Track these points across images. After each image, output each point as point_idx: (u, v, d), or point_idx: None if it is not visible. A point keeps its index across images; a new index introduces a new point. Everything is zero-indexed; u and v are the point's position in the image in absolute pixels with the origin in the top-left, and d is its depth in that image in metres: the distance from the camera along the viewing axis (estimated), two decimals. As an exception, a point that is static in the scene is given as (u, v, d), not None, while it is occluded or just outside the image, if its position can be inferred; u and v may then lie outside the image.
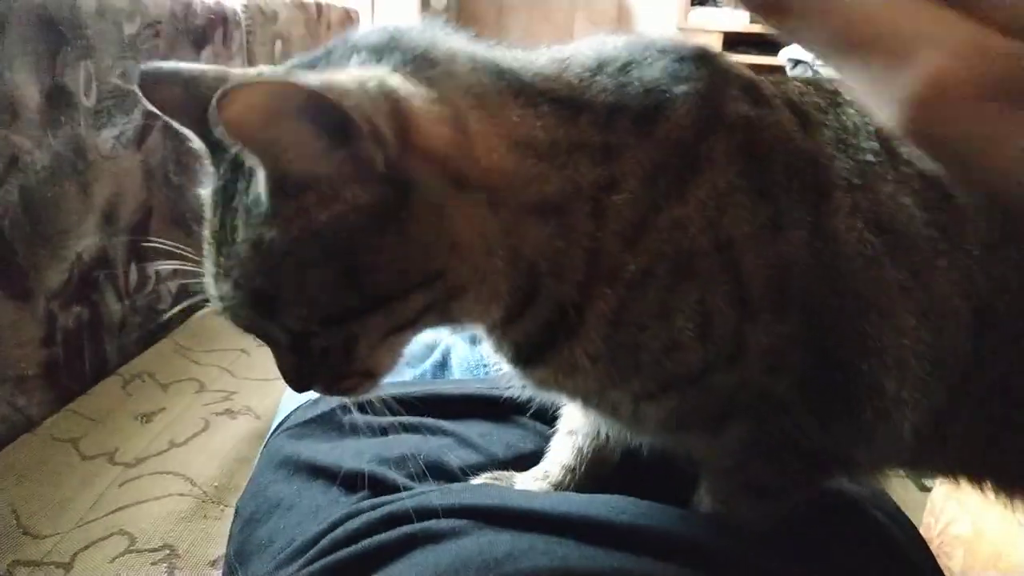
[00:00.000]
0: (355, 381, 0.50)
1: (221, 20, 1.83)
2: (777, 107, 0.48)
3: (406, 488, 0.62)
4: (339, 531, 0.56)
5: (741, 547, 0.53)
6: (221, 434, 1.32)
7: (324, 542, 0.56)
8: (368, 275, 0.43)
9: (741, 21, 4.05)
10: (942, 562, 0.65)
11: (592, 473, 0.65)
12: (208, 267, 0.46)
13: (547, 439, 0.69)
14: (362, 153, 0.39)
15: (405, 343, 0.51)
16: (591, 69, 0.47)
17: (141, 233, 1.62)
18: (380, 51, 0.44)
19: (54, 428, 1.30)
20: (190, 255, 0.50)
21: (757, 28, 3.97)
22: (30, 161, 1.28)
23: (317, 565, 0.54)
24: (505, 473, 0.66)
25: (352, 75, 0.41)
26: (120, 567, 0.99)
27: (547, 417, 0.70)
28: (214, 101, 0.35)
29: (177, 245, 0.53)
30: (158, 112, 0.50)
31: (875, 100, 0.30)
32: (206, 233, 0.46)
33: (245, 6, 1.96)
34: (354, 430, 0.72)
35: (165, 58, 1.63)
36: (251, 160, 0.41)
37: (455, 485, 0.62)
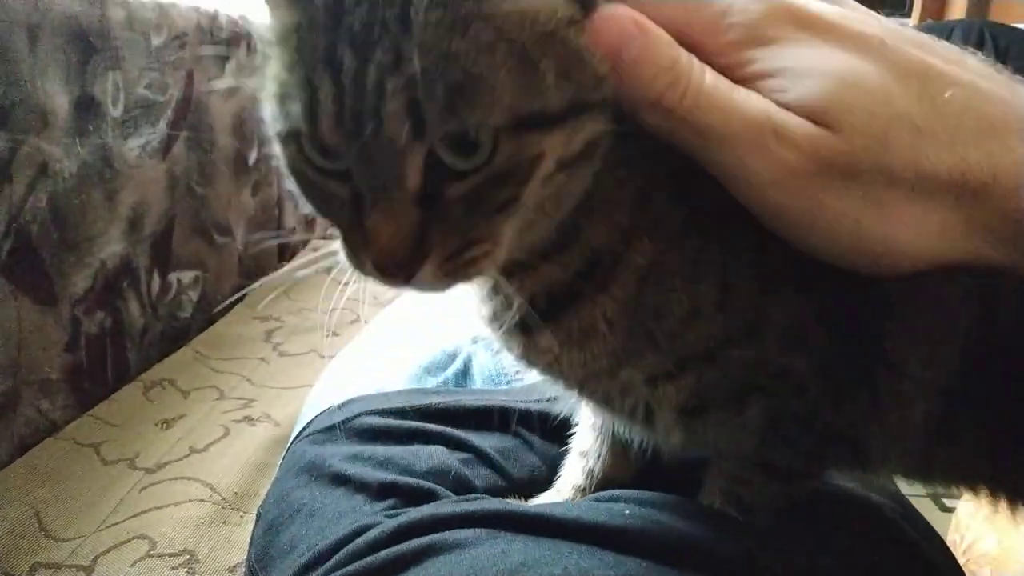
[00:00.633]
0: (483, 249, 0.41)
1: (246, 33, 1.86)
2: None
3: (430, 495, 0.62)
4: (358, 541, 0.56)
5: (760, 552, 0.53)
6: (241, 441, 1.33)
7: (341, 554, 0.56)
8: (561, 68, 0.39)
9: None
10: (971, 580, 0.65)
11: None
12: (352, 77, 0.37)
13: (560, 460, 0.70)
14: None
15: (528, 225, 0.43)
16: None
17: (164, 242, 1.64)
18: None
19: (76, 433, 1.32)
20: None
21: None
22: (59, 169, 1.30)
23: None
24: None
25: None
26: (141, 571, 0.99)
27: (563, 436, 0.71)
28: None
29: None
30: None
31: (732, 184, 0.41)
32: (350, 27, 0.38)
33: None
34: (377, 436, 0.72)
35: (191, 70, 1.66)
36: None
37: (470, 496, 0.62)
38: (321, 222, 0.62)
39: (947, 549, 0.64)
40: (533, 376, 0.58)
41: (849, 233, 0.40)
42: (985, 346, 0.47)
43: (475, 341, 0.87)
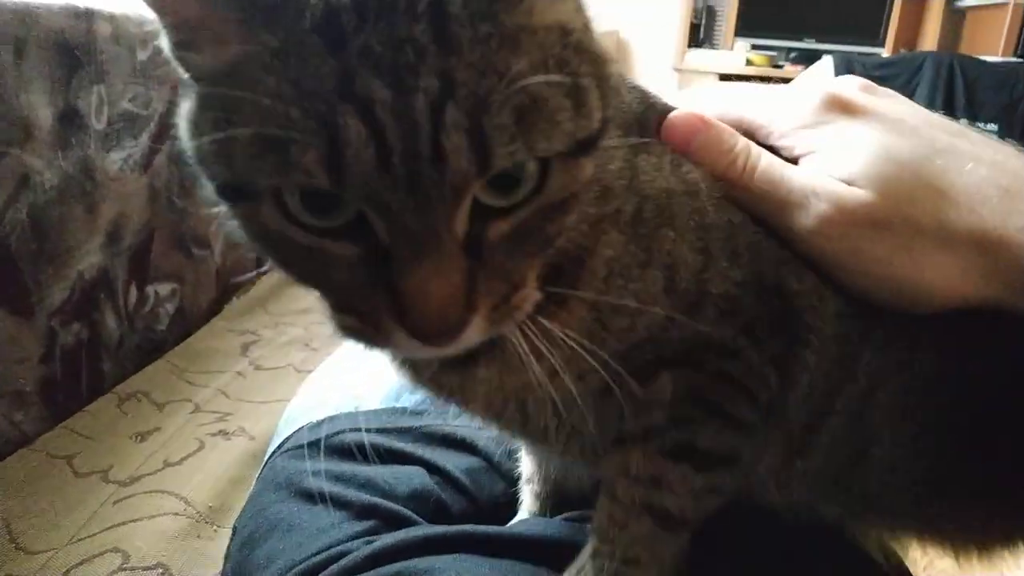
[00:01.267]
0: (524, 293, 0.39)
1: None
2: None
3: (408, 522, 0.64)
4: (333, 567, 0.57)
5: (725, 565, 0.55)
6: (216, 455, 1.34)
7: None
8: (596, 84, 0.38)
9: (736, 63, 4.15)
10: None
11: (561, 511, 0.66)
12: (393, 111, 0.32)
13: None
14: None
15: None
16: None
17: (142, 254, 1.65)
18: None
19: (49, 445, 1.32)
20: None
21: (752, 70, 4.06)
22: (40, 181, 1.31)
23: None
24: None
25: None
26: (113, 584, 1.00)
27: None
28: None
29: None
30: None
31: (789, 239, 0.50)
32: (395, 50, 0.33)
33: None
34: (356, 455, 0.73)
35: (175, 84, 1.68)
36: None
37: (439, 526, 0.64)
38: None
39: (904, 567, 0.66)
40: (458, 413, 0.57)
41: (885, 275, 0.48)
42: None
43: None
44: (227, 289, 1.97)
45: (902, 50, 3.91)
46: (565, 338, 0.43)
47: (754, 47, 4.28)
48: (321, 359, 1.09)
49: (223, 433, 1.41)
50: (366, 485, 0.67)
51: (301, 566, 0.59)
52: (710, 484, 0.52)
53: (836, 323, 0.50)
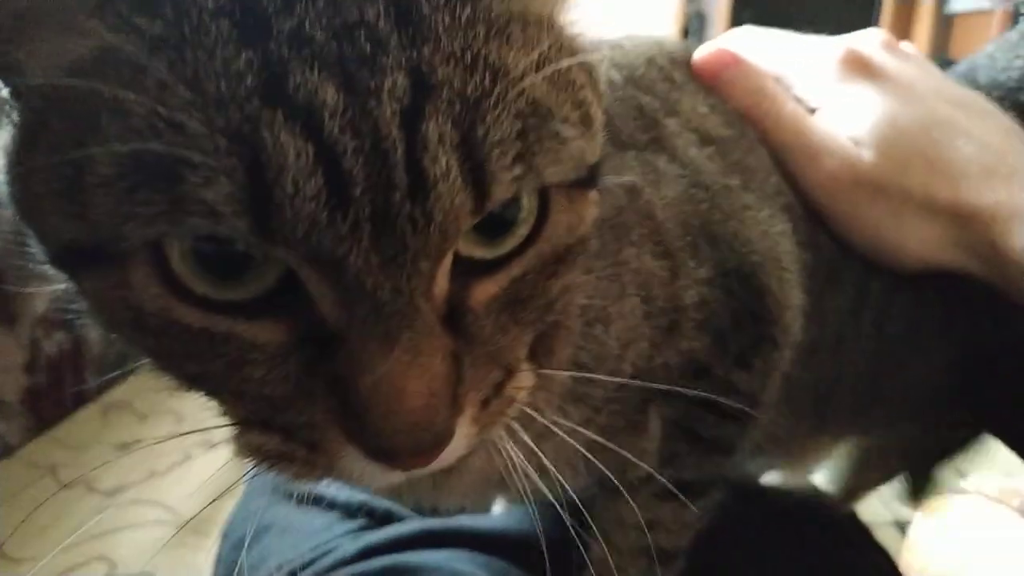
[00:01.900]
0: (519, 381, 0.31)
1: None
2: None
3: (398, 518, 0.65)
4: (323, 560, 0.58)
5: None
6: (200, 465, 1.35)
7: (307, 571, 0.59)
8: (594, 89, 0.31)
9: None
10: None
11: None
12: (350, 123, 0.23)
13: None
14: None
15: None
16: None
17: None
18: None
19: (33, 455, 1.33)
20: None
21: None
22: (24, 189, 1.33)
23: None
24: None
25: None
26: (99, 592, 1.02)
27: None
28: None
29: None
30: None
31: (800, 188, 0.54)
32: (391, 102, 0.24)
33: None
34: None
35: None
36: None
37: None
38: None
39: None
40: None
41: (873, 237, 0.53)
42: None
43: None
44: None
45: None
46: (553, 426, 0.34)
47: (744, 53, 4.32)
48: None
49: (207, 443, 1.42)
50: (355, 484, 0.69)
51: (293, 563, 0.61)
52: (702, 510, 0.51)
53: (798, 289, 0.51)
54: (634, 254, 0.42)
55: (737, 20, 4.41)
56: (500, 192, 0.25)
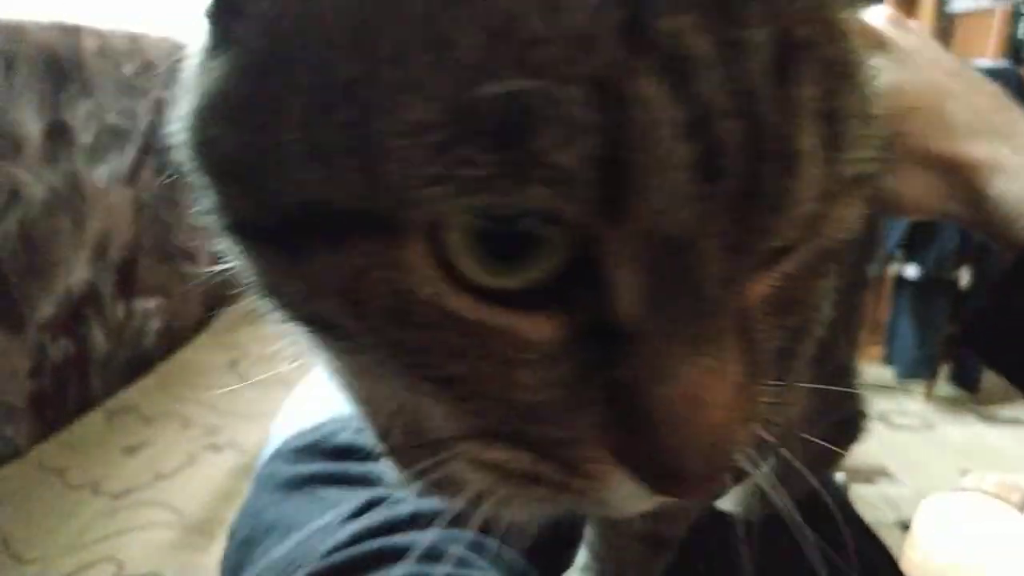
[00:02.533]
0: (794, 396, 0.29)
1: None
2: None
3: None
4: (321, 548, 0.61)
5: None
6: (206, 468, 1.38)
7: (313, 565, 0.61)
8: None
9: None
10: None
11: None
12: (725, 78, 0.20)
13: None
14: None
15: None
16: None
17: (130, 268, 1.70)
18: None
19: (41, 458, 1.36)
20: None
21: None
22: (29, 195, 1.36)
23: None
24: None
25: None
26: (108, 592, 1.04)
27: None
28: None
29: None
30: None
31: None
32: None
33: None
34: (350, 454, 0.77)
35: (160, 98, 1.73)
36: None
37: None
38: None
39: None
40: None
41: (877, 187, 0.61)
42: None
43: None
44: (214, 302, 2.02)
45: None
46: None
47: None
48: (309, 370, 1.13)
49: (213, 446, 1.46)
50: (362, 481, 0.71)
51: (296, 564, 0.63)
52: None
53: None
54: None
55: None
56: (845, 173, 0.23)
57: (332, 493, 0.69)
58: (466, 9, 0.19)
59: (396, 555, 0.56)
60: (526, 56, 0.19)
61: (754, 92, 0.20)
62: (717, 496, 0.26)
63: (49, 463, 1.35)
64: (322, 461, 0.77)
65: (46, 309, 1.43)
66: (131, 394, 1.64)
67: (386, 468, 0.72)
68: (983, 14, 2.97)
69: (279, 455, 0.83)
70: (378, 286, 0.22)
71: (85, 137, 1.51)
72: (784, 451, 0.30)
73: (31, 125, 1.36)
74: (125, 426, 1.52)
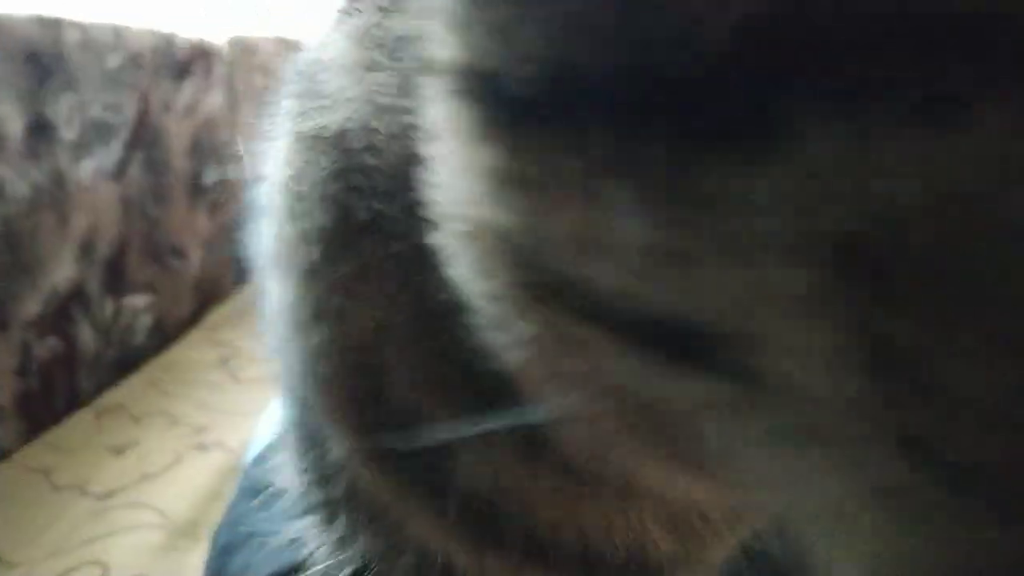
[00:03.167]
0: None
1: (202, 53, 1.93)
2: None
3: None
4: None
5: None
6: (194, 468, 1.38)
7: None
8: None
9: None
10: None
11: None
12: None
13: None
14: None
15: None
16: None
17: (117, 265, 1.69)
18: None
19: (27, 458, 1.37)
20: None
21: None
22: (11, 192, 1.36)
23: None
24: None
25: None
26: (93, 595, 1.05)
27: None
28: None
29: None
30: None
31: None
32: None
33: (228, 41, 2.07)
34: None
35: (146, 92, 1.73)
36: None
37: None
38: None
39: None
40: None
41: None
42: None
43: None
44: (205, 300, 2.02)
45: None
46: None
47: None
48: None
49: (201, 446, 1.46)
50: None
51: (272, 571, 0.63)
52: None
53: None
54: None
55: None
56: None
57: (311, 499, 0.70)
58: None
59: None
60: None
61: None
62: None
63: (35, 464, 1.35)
64: None
65: (32, 307, 1.43)
66: (120, 393, 1.64)
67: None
68: None
69: (262, 459, 0.84)
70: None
71: (69, 132, 1.50)
72: None
73: (12, 121, 1.35)
74: (113, 425, 1.52)
